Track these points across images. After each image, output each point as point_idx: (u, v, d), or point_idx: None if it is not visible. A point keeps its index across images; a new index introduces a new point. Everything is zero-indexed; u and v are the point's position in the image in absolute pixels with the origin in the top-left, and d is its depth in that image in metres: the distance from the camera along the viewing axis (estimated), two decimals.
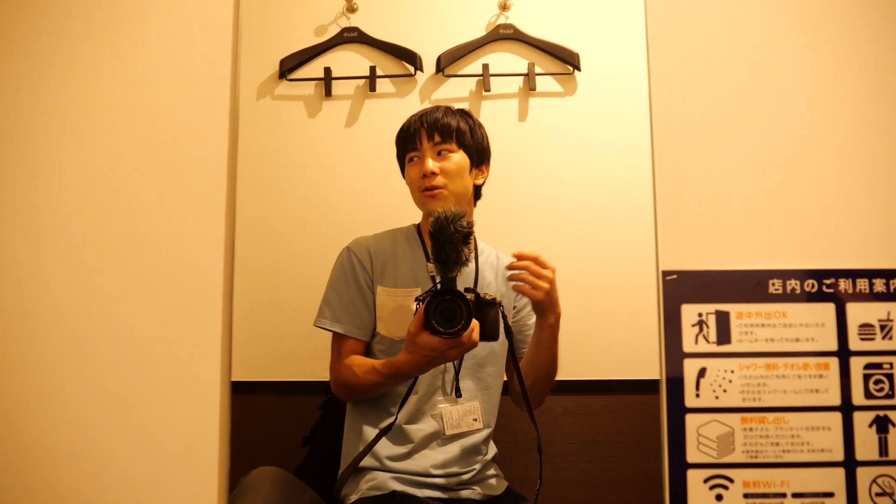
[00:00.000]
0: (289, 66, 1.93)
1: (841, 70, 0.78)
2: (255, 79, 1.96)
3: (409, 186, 1.46)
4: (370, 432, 1.36)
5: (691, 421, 0.74)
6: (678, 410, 0.74)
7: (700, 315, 0.75)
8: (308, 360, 1.53)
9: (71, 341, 0.83)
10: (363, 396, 1.39)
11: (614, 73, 1.94)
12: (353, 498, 1.32)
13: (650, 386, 0.90)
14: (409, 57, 1.91)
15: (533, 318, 1.40)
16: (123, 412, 0.81)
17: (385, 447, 1.35)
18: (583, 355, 1.88)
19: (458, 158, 1.42)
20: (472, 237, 1.19)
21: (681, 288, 0.75)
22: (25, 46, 0.89)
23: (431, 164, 1.40)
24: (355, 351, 1.40)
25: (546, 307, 1.32)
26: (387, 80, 1.94)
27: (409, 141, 1.44)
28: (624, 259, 1.73)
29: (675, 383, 0.74)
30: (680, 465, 0.74)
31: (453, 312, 1.16)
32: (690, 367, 0.74)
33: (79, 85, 0.89)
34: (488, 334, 1.26)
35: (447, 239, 1.16)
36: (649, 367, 0.95)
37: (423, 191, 1.40)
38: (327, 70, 1.92)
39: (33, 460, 0.83)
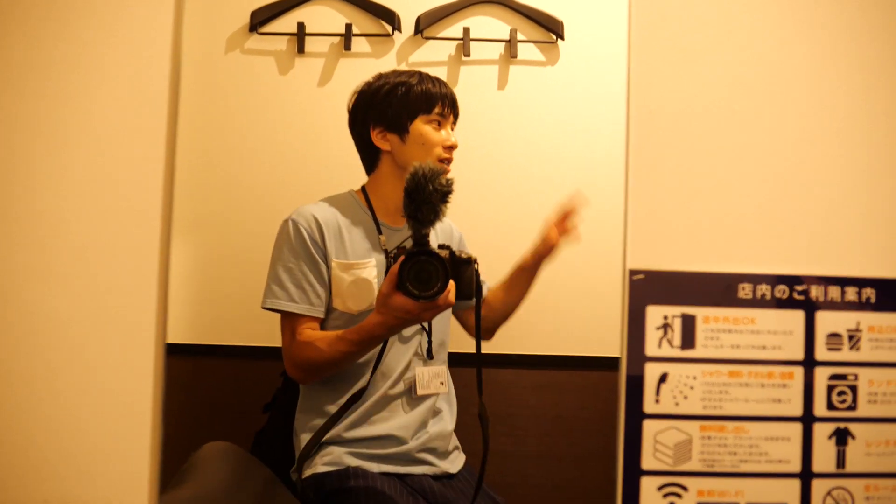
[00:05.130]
0: (260, 18, 1.84)
1: (827, 70, 0.73)
2: (224, 31, 1.87)
3: (418, 145, 1.39)
4: (329, 407, 1.32)
5: (649, 427, 0.72)
6: (636, 415, 0.71)
7: (665, 318, 0.71)
8: (270, 325, 1.48)
9: None
10: (330, 372, 1.32)
11: (599, 43, 1.88)
12: (307, 473, 1.29)
13: (614, 363, 0.86)
14: (387, 16, 1.83)
15: None
16: (52, 370, 0.76)
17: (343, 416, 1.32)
18: (551, 331, 1.86)
19: None
20: (450, 196, 1.08)
21: (648, 288, 0.71)
22: None
23: (454, 138, 1.44)
24: (311, 329, 1.33)
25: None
26: (363, 39, 1.85)
27: (441, 105, 1.41)
28: (595, 237, 1.70)
29: (635, 387, 0.71)
30: (634, 472, 0.71)
31: (429, 274, 1.07)
32: (652, 372, 0.72)
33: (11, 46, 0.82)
34: (463, 293, 1.19)
35: (425, 199, 1.05)
36: (615, 344, 0.90)
37: (443, 160, 1.40)
38: (301, 25, 1.83)
39: None
